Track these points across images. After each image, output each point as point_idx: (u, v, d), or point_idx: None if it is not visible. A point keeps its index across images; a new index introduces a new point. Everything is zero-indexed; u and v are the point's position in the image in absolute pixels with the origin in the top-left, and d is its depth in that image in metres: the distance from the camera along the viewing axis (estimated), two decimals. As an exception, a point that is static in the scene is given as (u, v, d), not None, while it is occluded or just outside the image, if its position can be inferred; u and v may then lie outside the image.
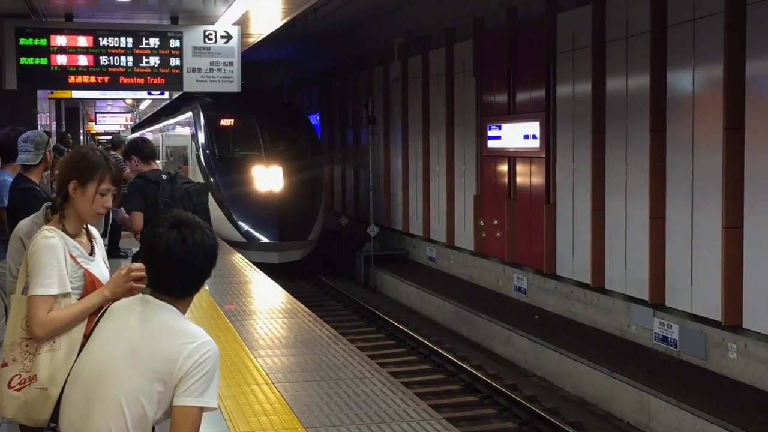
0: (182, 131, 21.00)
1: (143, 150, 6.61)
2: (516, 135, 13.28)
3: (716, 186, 9.04)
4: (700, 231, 9.42)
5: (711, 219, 9.16)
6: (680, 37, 9.61)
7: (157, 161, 6.76)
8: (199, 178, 16.71)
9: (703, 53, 9.28)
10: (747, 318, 8.77)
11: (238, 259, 11.94)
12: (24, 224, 4.12)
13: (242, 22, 8.45)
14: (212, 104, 17.76)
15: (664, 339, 9.81)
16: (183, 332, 2.43)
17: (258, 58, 19.05)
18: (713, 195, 9.11)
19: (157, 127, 26.97)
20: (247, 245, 15.68)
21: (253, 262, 11.36)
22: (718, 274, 9.02)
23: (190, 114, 18.89)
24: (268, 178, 16.75)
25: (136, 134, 28.66)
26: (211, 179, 16.68)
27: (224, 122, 17.69)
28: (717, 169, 9.02)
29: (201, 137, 17.52)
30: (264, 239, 16.11)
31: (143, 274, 2.95)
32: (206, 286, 7.77)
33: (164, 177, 6.38)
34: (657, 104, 10.02)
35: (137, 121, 31.86)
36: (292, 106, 24.61)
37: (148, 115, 31.54)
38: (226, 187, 16.52)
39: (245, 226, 16.12)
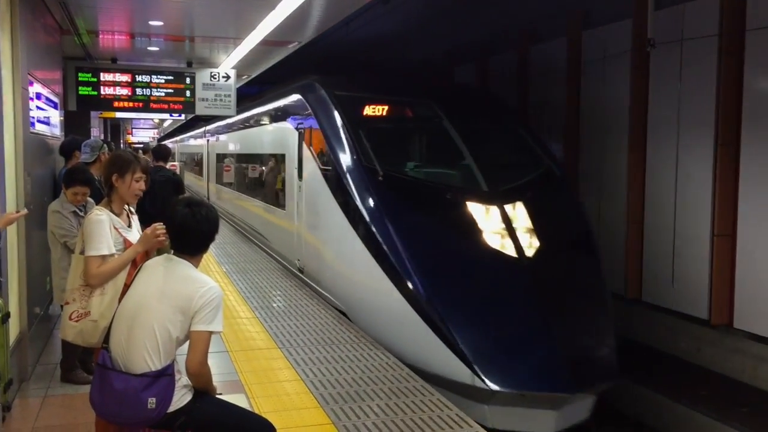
0: (266, 130, 12.42)
1: (157, 151, 9.42)
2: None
3: (706, 194, 9.19)
4: (683, 237, 9.56)
5: (700, 226, 9.28)
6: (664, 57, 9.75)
7: (168, 162, 9.55)
8: (331, 220, 8.60)
9: (690, 71, 9.45)
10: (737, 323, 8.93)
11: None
12: (55, 203, 5.66)
13: (238, 66, 11.41)
14: (340, 80, 9.67)
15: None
16: (197, 279, 3.35)
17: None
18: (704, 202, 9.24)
19: (200, 131, 21.65)
20: (483, 395, 6.49)
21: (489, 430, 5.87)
22: (706, 280, 9.17)
23: (297, 97, 10.22)
24: (503, 228, 7.57)
25: (168, 141, 34.25)
26: (366, 225, 7.74)
27: (373, 109, 8.89)
28: (707, 180, 9.14)
29: (331, 137, 8.73)
30: (519, 383, 6.44)
31: (164, 231, 3.77)
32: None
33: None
34: (637, 121, 10.27)
35: (161, 134, 37.36)
36: (487, 89, 13.62)
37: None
38: (407, 242, 7.37)
39: (469, 347, 6.58)
